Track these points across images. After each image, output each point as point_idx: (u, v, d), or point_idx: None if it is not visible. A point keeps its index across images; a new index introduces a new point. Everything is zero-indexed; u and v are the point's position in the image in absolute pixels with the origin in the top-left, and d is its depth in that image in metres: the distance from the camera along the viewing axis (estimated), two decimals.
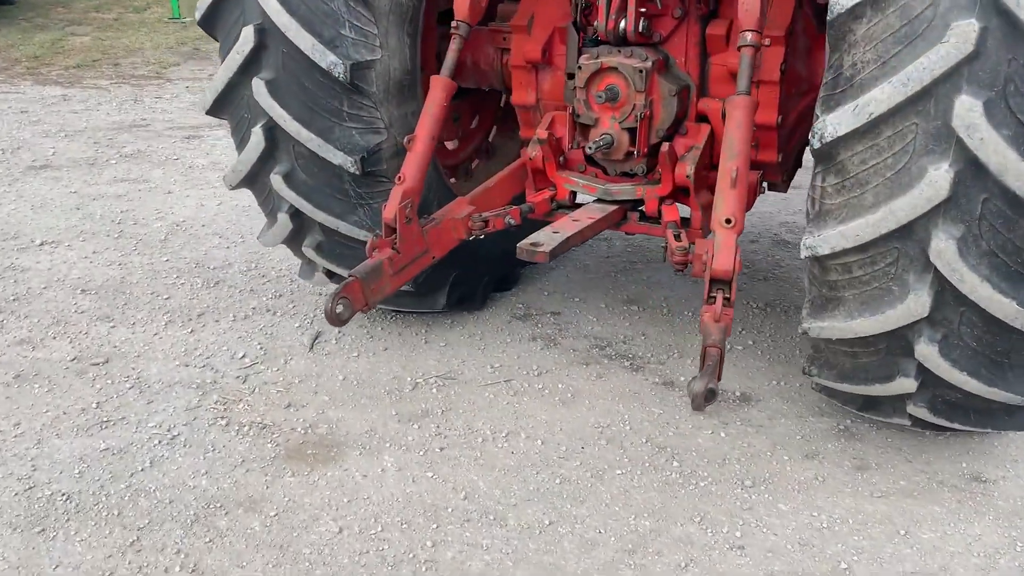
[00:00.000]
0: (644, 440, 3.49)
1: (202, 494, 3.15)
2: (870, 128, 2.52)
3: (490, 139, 4.83)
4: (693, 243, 3.05)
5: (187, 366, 4.06)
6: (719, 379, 2.66)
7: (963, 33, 2.33)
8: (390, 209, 3.25)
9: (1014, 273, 2.53)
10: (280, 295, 4.81)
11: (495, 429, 3.56)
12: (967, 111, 2.36)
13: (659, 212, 3.51)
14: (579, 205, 3.73)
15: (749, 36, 2.93)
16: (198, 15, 3.53)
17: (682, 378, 3.94)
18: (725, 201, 2.80)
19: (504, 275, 4.65)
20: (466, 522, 3.02)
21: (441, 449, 3.43)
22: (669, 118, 3.46)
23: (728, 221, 2.77)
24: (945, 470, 3.31)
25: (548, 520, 3.04)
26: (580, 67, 3.45)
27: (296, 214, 3.71)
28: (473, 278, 4.34)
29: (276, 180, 3.58)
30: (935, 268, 2.58)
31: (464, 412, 3.69)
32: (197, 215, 6.09)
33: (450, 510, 3.09)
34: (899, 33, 2.45)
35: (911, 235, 2.58)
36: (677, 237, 3.23)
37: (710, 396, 2.59)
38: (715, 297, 2.74)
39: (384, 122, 3.48)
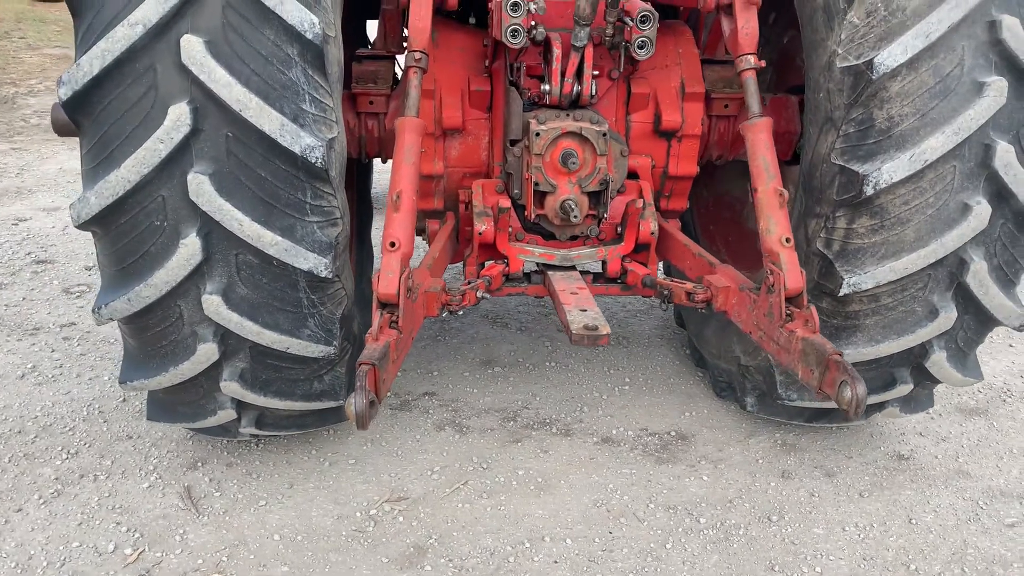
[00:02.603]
0: (650, 504, 3.38)
1: None
2: (919, 173, 2.79)
3: None
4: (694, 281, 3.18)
5: None
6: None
7: (999, 88, 2.70)
8: (390, 282, 2.62)
9: (1010, 281, 3.03)
10: (75, 452, 3.59)
11: (511, 542, 3.14)
12: (1006, 152, 2.75)
13: (623, 271, 3.41)
14: (528, 275, 3.45)
15: (752, 59, 2.97)
16: (65, 92, 2.47)
17: (614, 432, 3.88)
18: (778, 222, 2.82)
19: None
20: None
21: None
22: (621, 178, 3.38)
23: (787, 240, 2.79)
24: (877, 457, 3.78)
25: None
26: (538, 134, 3.18)
27: (224, 339, 2.82)
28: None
29: (211, 302, 2.67)
30: (959, 285, 2.96)
31: (460, 533, 3.18)
32: None
33: None
34: (934, 89, 2.75)
35: (944, 261, 2.91)
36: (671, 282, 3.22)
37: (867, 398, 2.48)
38: (792, 314, 2.71)
39: (340, 210, 2.83)
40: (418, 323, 2.94)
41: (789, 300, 2.75)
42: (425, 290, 2.93)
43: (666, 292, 3.20)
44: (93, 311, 2.75)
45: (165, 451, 3.60)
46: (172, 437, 3.69)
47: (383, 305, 2.66)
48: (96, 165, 2.58)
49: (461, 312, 3.05)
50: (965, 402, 4.28)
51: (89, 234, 2.67)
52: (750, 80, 2.98)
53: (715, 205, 4.64)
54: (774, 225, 2.82)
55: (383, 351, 2.47)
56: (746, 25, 2.94)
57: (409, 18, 2.93)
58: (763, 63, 2.98)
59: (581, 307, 2.97)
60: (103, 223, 2.62)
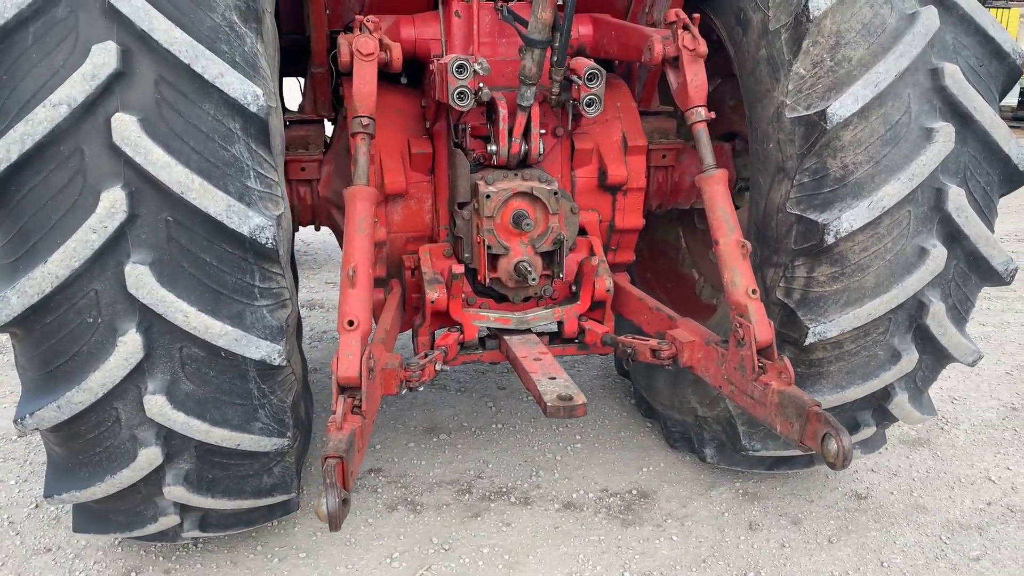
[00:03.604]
0: (624, 572, 3.25)
1: None
2: (877, 220, 2.80)
3: None
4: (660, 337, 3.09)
5: None
6: None
7: (948, 133, 2.75)
8: (350, 364, 2.42)
9: (963, 319, 3.07)
10: None
11: None
12: (957, 195, 2.79)
13: (580, 330, 3.30)
14: (483, 341, 3.30)
15: (702, 111, 2.92)
16: None
17: (574, 495, 3.75)
18: (742, 273, 2.75)
19: None
20: None
21: None
22: (573, 236, 3.29)
23: (754, 292, 2.73)
24: (837, 499, 3.77)
25: None
26: (488, 195, 3.06)
27: (168, 441, 2.56)
28: (303, 456, 3.49)
29: (153, 402, 2.42)
30: (918, 326, 2.98)
31: None
32: None
33: None
34: (885, 136, 2.77)
35: (904, 304, 2.93)
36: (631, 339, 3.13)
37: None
38: (764, 366, 2.66)
39: (289, 290, 2.62)
40: (377, 404, 2.76)
41: (760, 352, 2.70)
42: (383, 368, 2.75)
43: (629, 350, 3.11)
44: (15, 422, 2.44)
45: (92, 562, 3.26)
46: (97, 545, 3.35)
47: (343, 389, 2.46)
48: (16, 260, 2.31)
49: (421, 388, 2.88)
50: (906, 433, 4.34)
51: None
52: (702, 132, 2.94)
53: (650, 253, 4.62)
54: (739, 277, 2.77)
55: (349, 441, 2.28)
56: (695, 78, 2.91)
57: (353, 82, 2.77)
58: (713, 114, 2.96)
59: (549, 375, 2.84)
60: (25, 324, 2.34)
